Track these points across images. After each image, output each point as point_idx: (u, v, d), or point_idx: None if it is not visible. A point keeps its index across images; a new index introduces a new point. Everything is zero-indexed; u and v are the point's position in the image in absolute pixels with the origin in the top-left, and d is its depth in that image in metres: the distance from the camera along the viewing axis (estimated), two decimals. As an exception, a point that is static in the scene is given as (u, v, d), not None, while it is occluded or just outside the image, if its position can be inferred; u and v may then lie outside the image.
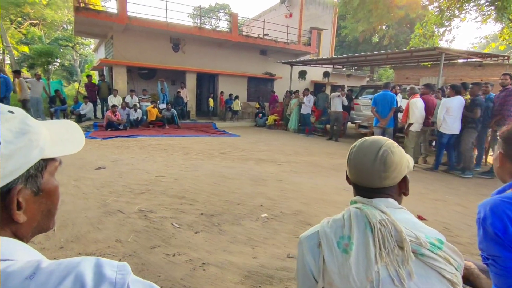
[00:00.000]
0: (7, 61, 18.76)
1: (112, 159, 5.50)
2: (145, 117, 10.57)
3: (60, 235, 2.64)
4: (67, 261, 0.44)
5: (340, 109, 9.27)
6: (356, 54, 12.11)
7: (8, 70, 16.00)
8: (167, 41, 12.61)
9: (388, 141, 0.88)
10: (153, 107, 10.68)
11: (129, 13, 10.67)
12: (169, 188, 4.00)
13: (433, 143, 7.56)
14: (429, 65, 12.52)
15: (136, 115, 10.29)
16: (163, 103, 11.30)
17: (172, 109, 10.89)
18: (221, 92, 13.66)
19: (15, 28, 19.45)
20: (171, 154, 6.26)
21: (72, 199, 3.45)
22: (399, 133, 7.41)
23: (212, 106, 13.66)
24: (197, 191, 3.95)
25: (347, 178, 0.96)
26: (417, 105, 5.80)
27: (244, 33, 15.10)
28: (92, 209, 3.19)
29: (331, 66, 15.33)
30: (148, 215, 3.13)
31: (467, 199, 4.27)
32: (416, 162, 6.08)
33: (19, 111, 0.50)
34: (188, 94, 12.78)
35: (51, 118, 10.42)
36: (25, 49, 17.73)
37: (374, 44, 22.77)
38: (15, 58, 17.26)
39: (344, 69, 17.33)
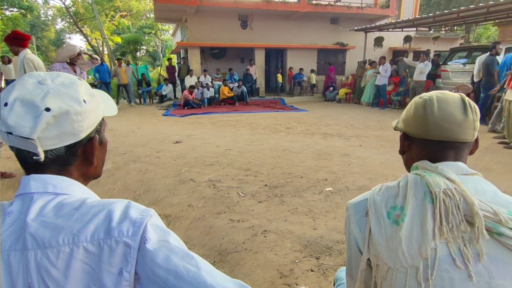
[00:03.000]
0: (105, 51, 21.66)
1: (187, 134, 6.03)
2: (217, 95, 11.15)
3: (144, 198, 3.08)
4: (106, 200, 0.56)
5: (421, 78, 8.22)
6: (445, 11, 10.36)
7: (106, 59, 18.54)
8: (236, 19, 12.80)
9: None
10: (225, 86, 11.18)
11: (199, -5, 11.11)
12: (236, 161, 4.23)
13: None
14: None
15: (209, 93, 10.93)
16: (231, 82, 11.76)
17: (243, 86, 11.24)
18: (290, 68, 13.44)
19: (109, 21, 22.19)
20: (239, 129, 6.54)
21: (154, 168, 3.94)
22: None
23: (281, 82, 13.59)
24: (261, 164, 4.08)
25: (404, 138, 0.88)
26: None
27: (313, 2, 14.32)
28: (169, 177, 3.60)
29: (414, 29, 13.51)
30: (216, 184, 3.40)
31: None
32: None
33: (80, 79, 0.62)
34: (257, 71, 12.93)
35: (139, 99, 11.84)
36: (118, 39, 20.16)
37: (471, -2, 19.14)
38: (111, 48, 19.82)
39: (431, 32, 15.10)
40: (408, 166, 0.89)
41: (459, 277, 0.62)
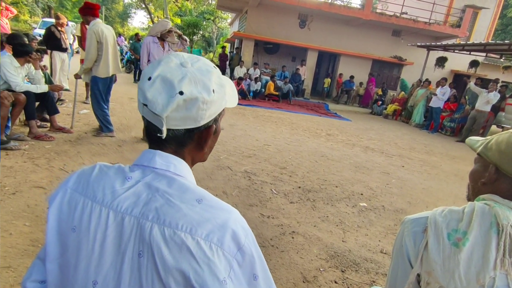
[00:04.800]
0: (164, 30, 22.57)
1: (229, 123, 6.16)
2: (263, 89, 11.22)
3: (183, 175, 3.22)
4: (221, 204, 0.56)
5: (486, 108, 7.61)
6: (525, 41, 9.42)
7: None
8: (295, 17, 12.72)
9: None
10: (272, 82, 11.20)
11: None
12: (273, 157, 4.26)
13: None
14: None
15: (255, 87, 11.03)
16: (279, 79, 11.74)
17: (289, 84, 11.19)
18: (340, 74, 13.11)
19: (174, 2, 23.14)
20: (280, 127, 6.55)
21: (195, 149, 4.09)
22: None
23: (328, 87, 13.32)
24: (298, 165, 4.07)
25: (495, 171, 0.78)
26: None
27: (378, 11, 13.77)
28: (208, 161, 3.72)
29: (484, 54, 12.50)
30: (251, 176, 3.46)
31: None
32: None
33: (216, 67, 0.63)
34: (306, 72, 12.78)
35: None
36: (178, 20, 20.98)
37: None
38: (170, 28, 20.61)
39: (502, 59, 13.85)
40: (475, 195, 0.86)
41: None
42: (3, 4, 6.08)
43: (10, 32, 5.80)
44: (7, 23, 6.04)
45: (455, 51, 11.74)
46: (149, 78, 0.56)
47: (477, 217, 0.72)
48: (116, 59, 3.99)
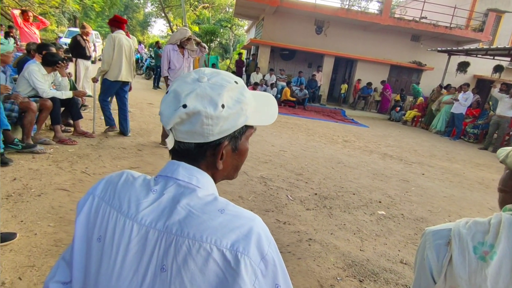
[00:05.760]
0: (182, 38, 23.08)
1: (245, 129, 6.21)
2: (279, 95, 11.25)
3: (200, 180, 3.26)
4: (245, 213, 0.55)
5: (509, 113, 7.31)
6: (553, 44, 9.01)
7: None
8: (312, 23, 12.71)
9: None
10: (289, 88, 11.22)
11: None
12: (289, 163, 4.24)
13: None
14: None
15: (272, 93, 11.06)
16: (295, 85, 11.75)
17: (305, 90, 11.17)
18: (358, 80, 12.96)
19: (192, 11, 23.69)
20: (296, 133, 6.53)
21: (212, 154, 4.14)
22: None
23: (344, 92, 13.19)
24: (314, 172, 4.03)
25: None
26: None
27: (396, 16, 13.58)
28: (225, 166, 3.76)
29: (508, 58, 12.04)
30: (267, 182, 3.45)
31: None
32: None
33: (241, 82, 0.61)
34: (323, 78, 12.72)
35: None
36: (196, 28, 21.45)
37: None
38: (188, 35, 21.06)
39: (529, 64, 13.31)
40: (502, 205, 0.83)
41: None
42: (31, 14, 6.40)
43: (38, 41, 6.11)
44: (35, 33, 6.36)
45: (478, 55, 11.38)
46: (167, 92, 0.58)
47: (504, 229, 0.69)
48: (130, 67, 4.24)
